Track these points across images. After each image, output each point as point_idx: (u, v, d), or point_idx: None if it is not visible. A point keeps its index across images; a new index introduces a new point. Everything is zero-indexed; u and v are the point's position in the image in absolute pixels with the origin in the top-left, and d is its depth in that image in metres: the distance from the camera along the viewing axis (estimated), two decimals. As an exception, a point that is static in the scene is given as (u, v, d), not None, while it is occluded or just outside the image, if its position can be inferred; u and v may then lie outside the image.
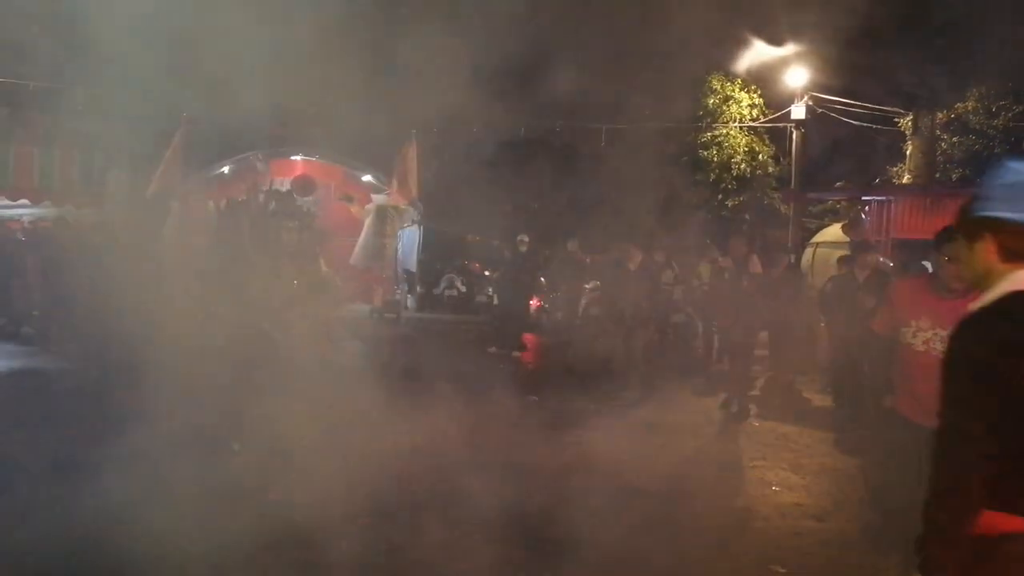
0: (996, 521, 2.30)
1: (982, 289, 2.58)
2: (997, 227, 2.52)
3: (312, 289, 8.22)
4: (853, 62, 21.92)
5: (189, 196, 16.55)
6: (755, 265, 10.04)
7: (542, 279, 18.33)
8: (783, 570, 5.23)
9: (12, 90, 17.45)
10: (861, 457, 8.23)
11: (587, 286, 17.08)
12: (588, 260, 18.01)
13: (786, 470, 7.71)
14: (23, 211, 16.47)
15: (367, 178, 21.10)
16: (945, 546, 2.33)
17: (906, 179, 22.05)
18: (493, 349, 14.49)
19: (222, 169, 19.04)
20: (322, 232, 17.37)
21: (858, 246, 10.00)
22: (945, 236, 4.22)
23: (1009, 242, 2.51)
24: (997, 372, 2.33)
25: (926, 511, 2.38)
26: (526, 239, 15.44)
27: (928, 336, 4.42)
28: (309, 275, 8.31)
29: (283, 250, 8.18)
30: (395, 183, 18.76)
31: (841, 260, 11.16)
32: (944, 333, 3.77)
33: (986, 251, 2.56)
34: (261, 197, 14.51)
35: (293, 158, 20.21)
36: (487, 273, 24.78)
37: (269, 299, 7.66)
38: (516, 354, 14.07)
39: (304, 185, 19.19)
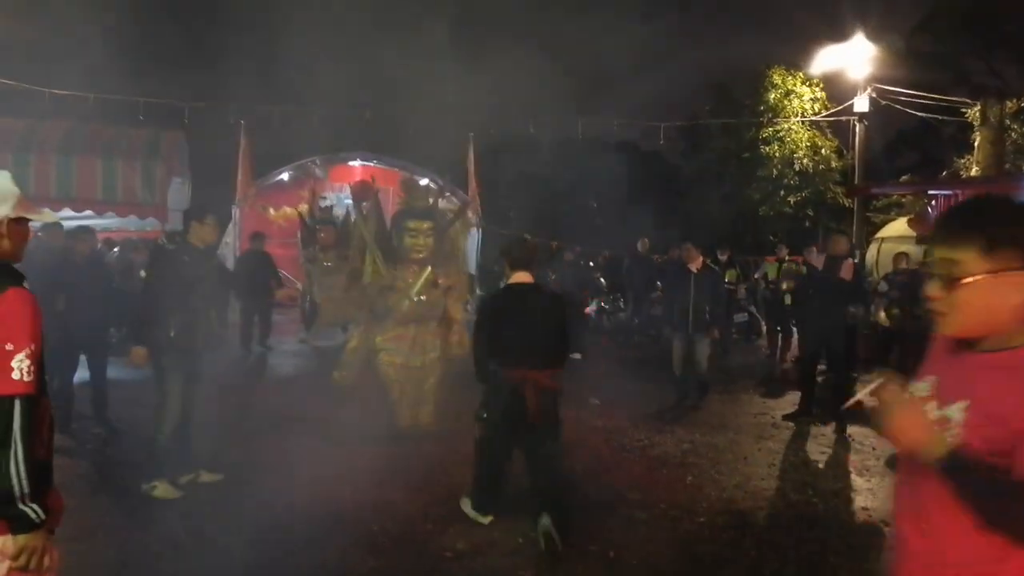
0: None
1: None
2: None
3: None
4: (918, 51, 21.49)
5: (248, 203, 16.73)
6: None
7: (602, 280, 18.18)
8: (850, 576, 5.09)
9: (76, 102, 17.82)
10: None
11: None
12: (656, 259, 17.86)
13: (852, 473, 7.53)
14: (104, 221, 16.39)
15: (425, 182, 21.14)
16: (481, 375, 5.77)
17: (974, 171, 21.46)
18: (578, 356, 13.73)
19: (281, 176, 19.20)
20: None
21: None
22: None
23: None
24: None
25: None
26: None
27: None
28: None
29: None
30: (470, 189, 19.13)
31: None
32: None
33: None
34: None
35: (351, 163, 20.28)
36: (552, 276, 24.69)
37: None
38: (576, 356, 13.88)
39: (363, 190, 19.22)
